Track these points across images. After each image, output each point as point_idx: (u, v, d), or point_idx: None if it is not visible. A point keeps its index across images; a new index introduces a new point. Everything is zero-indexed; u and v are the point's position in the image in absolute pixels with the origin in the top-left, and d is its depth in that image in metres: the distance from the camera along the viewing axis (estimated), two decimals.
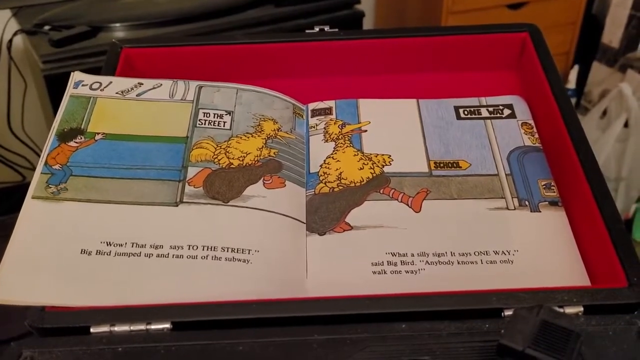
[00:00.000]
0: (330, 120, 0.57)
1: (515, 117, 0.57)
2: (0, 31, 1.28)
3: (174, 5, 1.21)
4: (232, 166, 0.51)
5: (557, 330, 0.34)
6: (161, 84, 0.56)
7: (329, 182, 0.52)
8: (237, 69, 0.61)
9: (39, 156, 0.49)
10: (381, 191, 0.51)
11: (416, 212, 0.50)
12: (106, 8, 1.22)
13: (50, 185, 0.47)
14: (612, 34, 1.72)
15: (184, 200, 0.48)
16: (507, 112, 0.57)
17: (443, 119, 0.57)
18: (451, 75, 0.63)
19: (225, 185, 0.50)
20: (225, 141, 0.53)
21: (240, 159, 0.52)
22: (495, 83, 0.61)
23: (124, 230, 0.46)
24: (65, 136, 0.51)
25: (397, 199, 0.51)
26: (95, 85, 0.55)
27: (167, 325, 0.39)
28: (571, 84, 1.79)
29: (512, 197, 0.50)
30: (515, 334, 0.34)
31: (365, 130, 0.56)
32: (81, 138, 0.51)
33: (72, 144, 0.50)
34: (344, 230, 0.49)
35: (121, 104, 0.54)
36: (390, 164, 0.53)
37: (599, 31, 1.76)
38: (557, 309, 0.36)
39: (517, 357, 0.34)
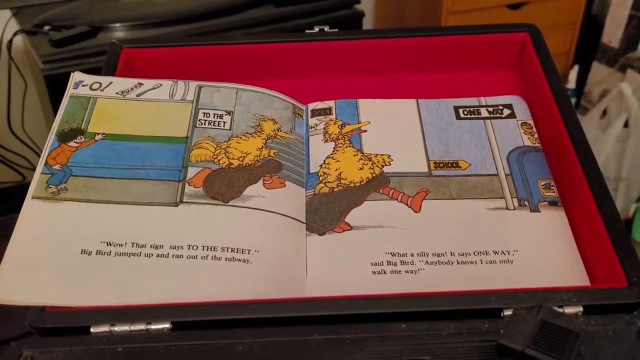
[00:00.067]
0: (330, 120, 0.57)
1: (515, 117, 0.57)
2: (0, 31, 1.28)
3: (174, 5, 1.21)
4: (232, 166, 0.51)
5: (556, 330, 0.34)
6: (161, 84, 0.56)
7: (328, 182, 0.52)
8: (236, 69, 0.61)
9: (39, 156, 0.49)
10: (381, 191, 0.51)
11: (416, 212, 0.50)
12: (106, 8, 1.22)
13: (50, 186, 0.47)
14: (612, 34, 1.72)
15: (184, 200, 0.48)
16: (506, 112, 0.57)
17: (443, 119, 0.57)
18: (451, 75, 0.63)
19: (225, 185, 0.50)
20: (225, 141, 0.53)
21: (240, 159, 0.52)
22: (495, 83, 0.61)
23: (124, 230, 0.46)
24: (65, 136, 0.51)
25: (397, 199, 0.51)
26: (95, 86, 0.55)
27: (167, 325, 0.39)
28: (571, 84, 1.79)
29: (512, 197, 0.50)
30: (515, 334, 0.34)
31: (365, 131, 0.56)
32: (81, 138, 0.51)
33: (72, 144, 0.50)
34: (344, 230, 0.49)
35: (121, 104, 0.54)
36: (390, 164, 0.53)
37: (599, 31, 1.76)
38: (556, 309, 0.36)
39: (516, 357, 0.34)
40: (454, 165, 0.53)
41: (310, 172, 0.53)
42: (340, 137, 0.56)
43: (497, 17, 1.61)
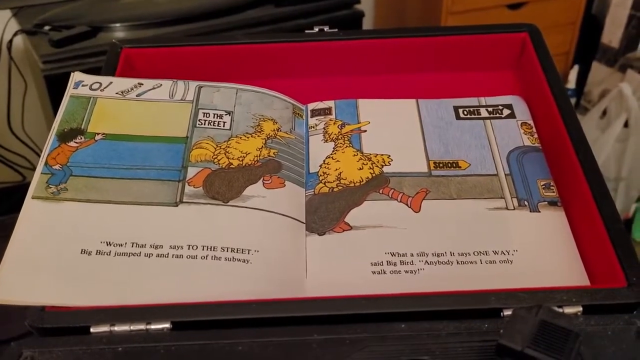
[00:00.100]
0: (330, 120, 0.57)
1: (514, 117, 0.57)
2: (1, 31, 1.28)
3: (174, 5, 1.21)
4: (231, 166, 0.51)
5: (556, 330, 0.34)
6: (161, 84, 0.56)
7: (328, 182, 0.52)
8: (236, 69, 0.61)
9: (39, 156, 0.50)
10: (380, 191, 0.51)
11: (415, 212, 0.50)
12: (106, 8, 1.22)
13: (50, 186, 0.47)
14: (612, 33, 1.72)
15: (184, 200, 0.48)
16: (506, 112, 0.57)
17: (442, 119, 0.57)
18: (451, 75, 0.63)
19: (225, 185, 0.50)
20: (225, 141, 0.53)
21: (240, 159, 0.52)
22: (495, 83, 0.61)
23: (123, 230, 0.46)
24: (65, 136, 0.51)
25: (397, 199, 0.51)
26: (95, 86, 0.55)
27: (167, 325, 0.39)
28: (571, 84, 1.79)
29: (512, 197, 0.51)
30: (514, 333, 0.34)
31: (365, 131, 0.56)
32: (81, 138, 0.51)
33: (72, 144, 0.51)
34: (344, 230, 0.49)
35: (121, 104, 0.54)
36: (390, 164, 0.53)
37: (599, 31, 1.76)
38: (556, 308, 0.36)
39: (516, 357, 0.34)
40: (454, 165, 0.53)
41: (310, 172, 0.53)
42: (340, 137, 0.56)
43: (497, 17, 1.61)
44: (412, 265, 0.46)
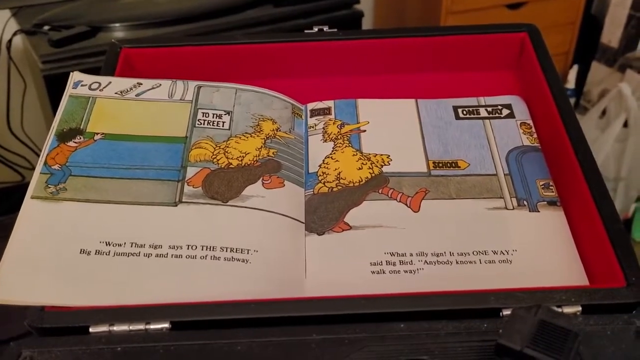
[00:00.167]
0: (329, 120, 0.57)
1: (514, 117, 0.57)
2: (0, 31, 1.28)
3: (173, 5, 1.21)
4: (231, 166, 0.51)
5: (555, 330, 0.34)
6: (160, 84, 0.56)
7: (327, 182, 0.52)
8: (236, 69, 0.61)
9: (39, 156, 0.49)
10: (380, 191, 0.51)
11: (415, 211, 0.50)
12: (106, 8, 1.22)
13: (49, 185, 0.47)
14: (612, 33, 1.72)
15: (183, 200, 0.48)
16: (505, 112, 0.57)
17: (442, 119, 0.57)
18: (450, 75, 0.63)
19: (224, 185, 0.50)
20: (224, 141, 0.53)
21: (239, 159, 0.52)
22: (494, 83, 0.61)
23: (123, 230, 0.46)
24: (64, 136, 0.51)
25: (396, 199, 0.51)
26: (95, 86, 0.55)
27: (166, 325, 0.39)
28: (570, 83, 1.80)
29: (511, 197, 0.51)
30: (514, 333, 0.35)
31: (364, 130, 0.56)
32: (80, 138, 0.51)
33: (71, 144, 0.50)
34: (343, 230, 0.49)
35: (120, 104, 0.54)
36: (389, 164, 0.53)
37: (598, 31, 1.76)
38: (555, 308, 0.36)
39: (515, 357, 0.34)
40: (453, 165, 0.53)
41: (310, 172, 0.53)
42: (339, 137, 0.56)
43: (496, 17, 1.61)
44: (412, 265, 0.46)
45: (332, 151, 0.54)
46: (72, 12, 1.21)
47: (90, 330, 0.39)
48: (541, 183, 0.51)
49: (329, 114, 0.58)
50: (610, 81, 1.68)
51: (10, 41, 1.26)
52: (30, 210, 0.46)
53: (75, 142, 0.51)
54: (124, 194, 0.48)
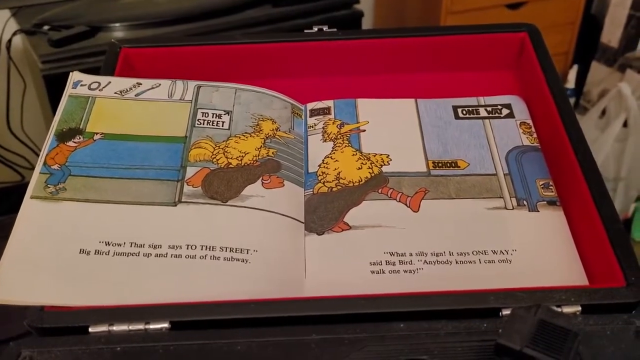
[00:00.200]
0: (329, 120, 0.57)
1: (513, 117, 0.57)
2: (0, 31, 1.28)
3: (173, 5, 1.21)
4: (230, 166, 0.51)
5: (554, 330, 0.34)
6: (160, 84, 0.56)
7: (327, 181, 0.52)
8: (235, 69, 0.61)
9: (38, 156, 0.49)
10: (379, 191, 0.51)
11: (414, 211, 0.50)
12: (105, 8, 1.22)
13: (49, 185, 0.47)
14: (611, 33, 1.72)
15: (183, 200, 0.48)
16: (505, 111, 0.57)
17: (441, 119, 0.57)
18: (450, 75, 0.63)
19: (223, 185, 0.50)
20: (223, 141, 0.53)
21: (239, 158, 0.52)
22: (494, 83, 0.61)
23: (122, 230, 0.46)
24: (64, 136, 0.51)
25: (396, 199, 0.51)
26: (94, 85, 0.55)
27: (166, 325, 0.39)
28: (570, 83, 1.80)
29: (511, 197, 0.51)
30: (513, 333, 0.34)
31: (364, 130, 0.56)
32: (80, 138, 0.51)
33: (70, 144, 0.50)
34: (343, 230, 0.49)
35: (120, 104, 0.54)
36: (389, 164, 0.53)
37: (598, 31, 1.76)
38: (555, 308, 0.36)
39: (514, 357, 0.34)
40: (453, 165, 0.53)
41: (309, 171, 0.53)
42: (339, 136, 0.56)
43: (496, 17, 1.61)
44: (411, 265, 0.46)
45: (332, 151, 0.54)
46: (71, 12, 1.21)
47: (90, 330, 0.39)
48: (541, 183, 0.51)
49: (329, 113, 0.58)
50: (610, 81, 1.68)
51: (10, 41, 1.26)
52: (30, 210, 0.46)
53: (75, 142, 0.51)
54: (123, 193, 0.48)
